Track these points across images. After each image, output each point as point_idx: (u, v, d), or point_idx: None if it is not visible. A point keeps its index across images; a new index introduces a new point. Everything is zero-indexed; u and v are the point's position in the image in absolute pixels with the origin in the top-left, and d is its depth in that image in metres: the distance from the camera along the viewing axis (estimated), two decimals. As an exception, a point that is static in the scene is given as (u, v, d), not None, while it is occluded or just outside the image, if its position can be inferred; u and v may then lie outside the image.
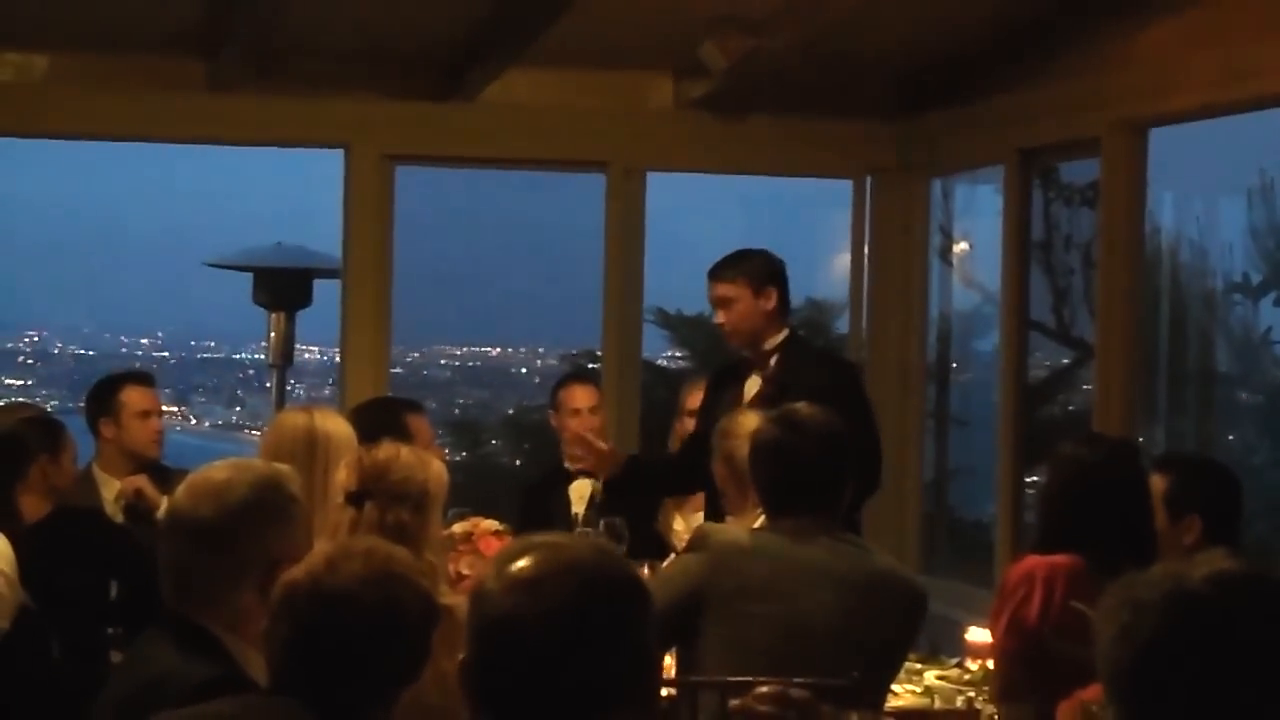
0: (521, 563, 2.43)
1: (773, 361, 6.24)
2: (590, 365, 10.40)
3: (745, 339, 6.31)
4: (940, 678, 5.25)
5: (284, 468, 3.73)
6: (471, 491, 9.96)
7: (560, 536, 2.57)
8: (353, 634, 3.00)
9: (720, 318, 6.32)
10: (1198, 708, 2.15)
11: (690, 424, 6.84)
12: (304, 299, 10.21)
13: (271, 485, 3.59)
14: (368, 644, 3.00)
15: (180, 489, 3.61)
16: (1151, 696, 2.17)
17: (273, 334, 10.24)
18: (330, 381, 12.19)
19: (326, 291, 9.66)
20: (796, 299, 12.39)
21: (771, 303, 6.27)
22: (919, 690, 5.13)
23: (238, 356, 23.29)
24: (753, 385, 6.25)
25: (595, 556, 2.48)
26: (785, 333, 6.31)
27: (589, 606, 2.40)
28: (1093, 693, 3.93)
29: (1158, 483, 4.83)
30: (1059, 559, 4.62)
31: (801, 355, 6.34)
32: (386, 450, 4.00)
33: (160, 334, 25.64)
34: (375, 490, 3.92)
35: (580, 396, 7.13)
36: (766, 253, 6.48)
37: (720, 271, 6.38)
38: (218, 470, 3.61)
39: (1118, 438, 5.89)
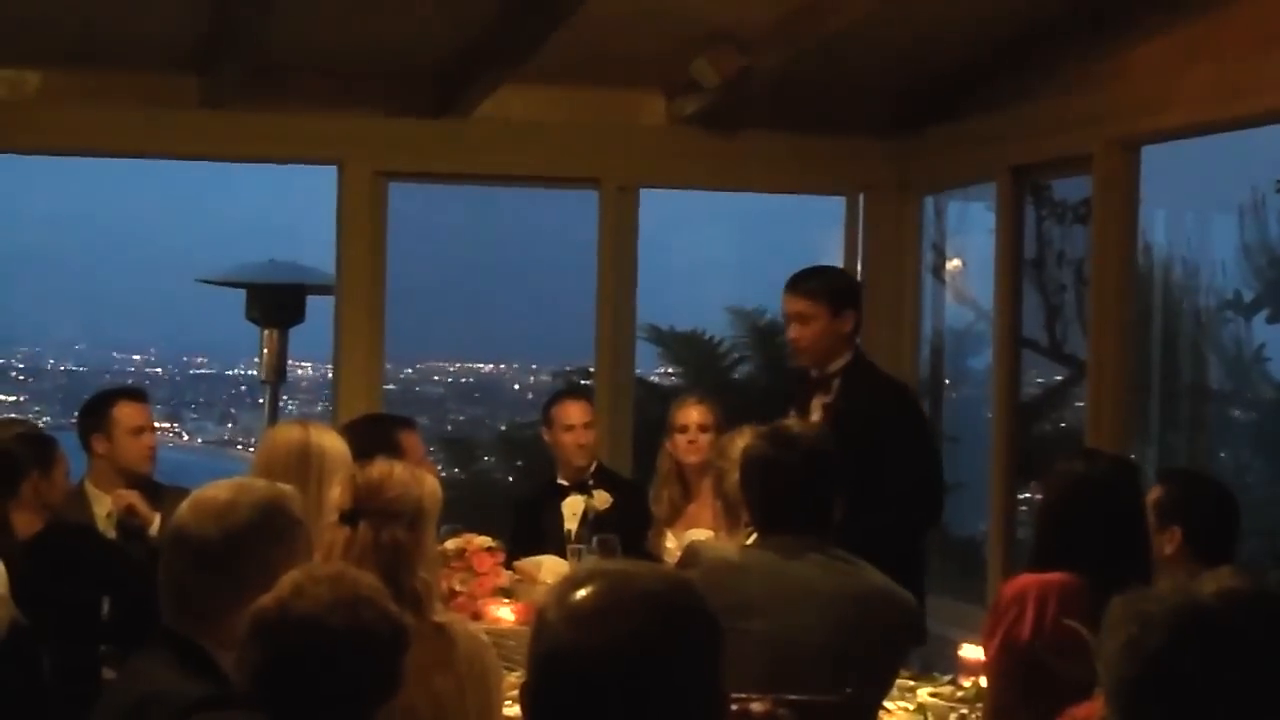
0: (582, 593, 2.29)
1: (835, 385, 6.17)
2: (583, 382, 10.39)
3: (813, 358, 6.23)
4: (933, 695, 5.24)
5: (287, 488, 3.73)
6: (464, 508, 9.95)
7: (628, 564, 2.42)
8: (321, 659, 3.01)
9: (793, 333, 6.23)
10: None
11: (680, 440, 6.84)
12: (297, 315, 10.20)
13: (274, 507, 3.59)
14: (336, 668, 3.02)
15: (183, 507, 3.61)
16: (1156, 709, 2.17)
17: (265, 350, 10.23)
18: (323, 398, 12.18)
19: (319, 308, 9.65)
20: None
21: (848, 325, 6.18)
22: (912, 708, 5.12)
23: (230, 373, 23.29)
24: (816, 408, 6.20)
25: (662, 587, 2.32)
26: (851, 356, 6.23)
27: (652, 640, 2.25)
28: (1086, 710, 3.93)
29: (1154, 492, 4.88)
30: (1052, 576, 4.62)
31: (862, 382, 6.21)
32: (380, 468, 4.00)
33: (153, 350, 25.65)
34: (369, 509, 3.91)
35: (573, 413, 7.12)
36: (847, 273, 6.38)
37: (801, 285, 6.25)
38: (221, 490, 3.62)
39: (1117, 454, 5.90)
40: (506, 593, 6.10)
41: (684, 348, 12.60)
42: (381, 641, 3.08)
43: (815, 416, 6.17)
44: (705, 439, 6.71)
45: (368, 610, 3.08)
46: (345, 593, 3.08)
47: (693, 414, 6.86)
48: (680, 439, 6.85)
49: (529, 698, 2.32)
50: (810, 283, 6.27)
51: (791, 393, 6.51)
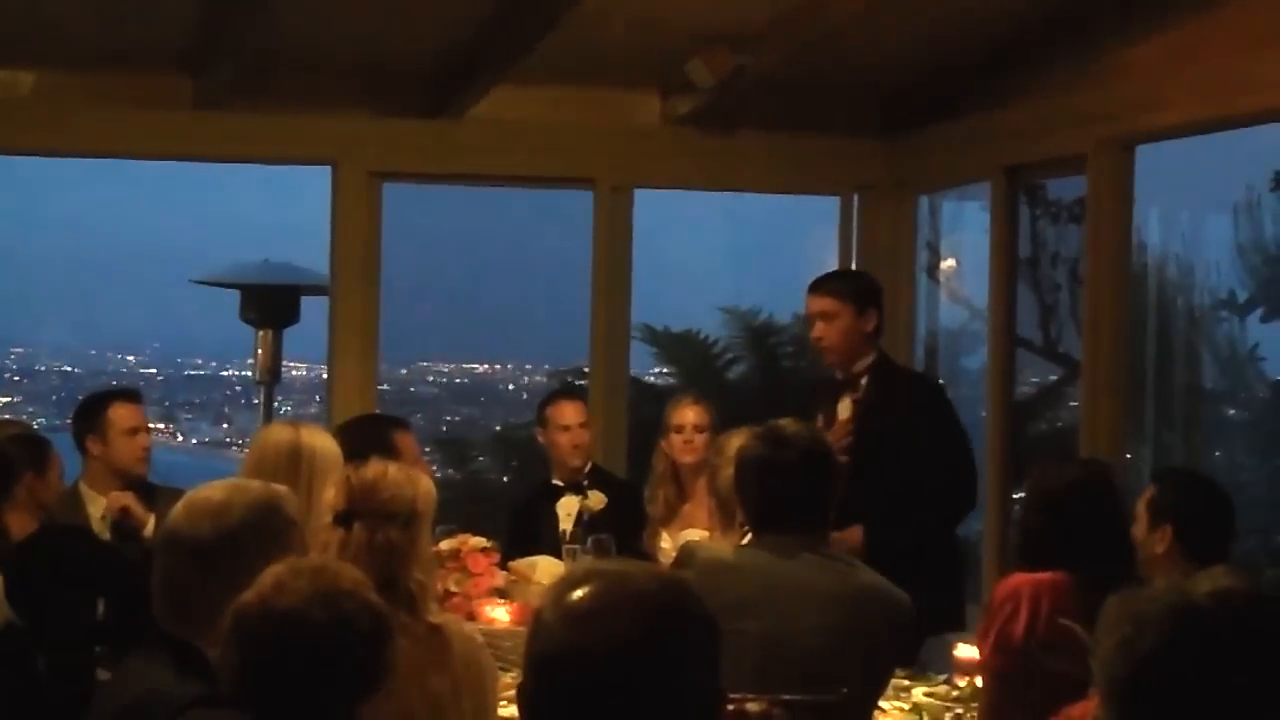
0: (579, 593, 2.28)
1: (863, 383, 6.31)
2: (578, 382, 10.40)
3: (838, 356, 6.36)
4: (928, 694, 5.23)
5: (282, 489, 3.72)
6: (459, 508, 9.96)
7: (625, 565, 2.40)
8: (304, 653, 3.01)
9: (817, 331, 6.36)
10: None
11: (676, 440, 6.84)
12: (291, 316, 10.21)
13: (269, 507, 3.59)
14: (319, 662, 3.01)
15: (178, 508, 3.60)
16: (1149, 709, 2.17)
17: (260, 351, 10.24)
18: (317, 398, 12.19)
19: (314, 308, 9.66)
20: (783, 316, 12.47)
21: (870, 324, 6.33)
22: (907, 707, 5.11)
23: (225, 373, 23.28)
24: (845, 408, 6.34)
25: (659, 587, 2.31)
26: (875, 355, 6.37)
27: (648, 640, 2.24)
28: (1081, 710, 3.93)
29: (1148, 491, 4.91)
30: (1044, 575, 4.64)
31: (890, 378, 6.39)
32: (375, 469, 3.99)
33: (147, 351, 25.62)
34: (364, 510, 3.90)
35: (568, 413, 7.12)
36: (870, 275, 6.60)
37: (824, 285, 6.44)
38: (216, 490, 3.61)
39: (1088, 459, 5.98)
40: (501, 593, 6.09)
41: (678, 348, 12.61)
42: (364, 634, 3.07)
43: (845, 415, 6.30)
44: (701, 439, 6.71)
45: (349, 603, 3.07)
46: (326, 586, 3.07)
47: (688, 414, 6.85)
48: (676, 439, 6.85)
49: (525, 698, 2.32)
50: (834, 282, 6.49)
51: (816, 400, 6.57)
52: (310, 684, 3.01)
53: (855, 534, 5.97)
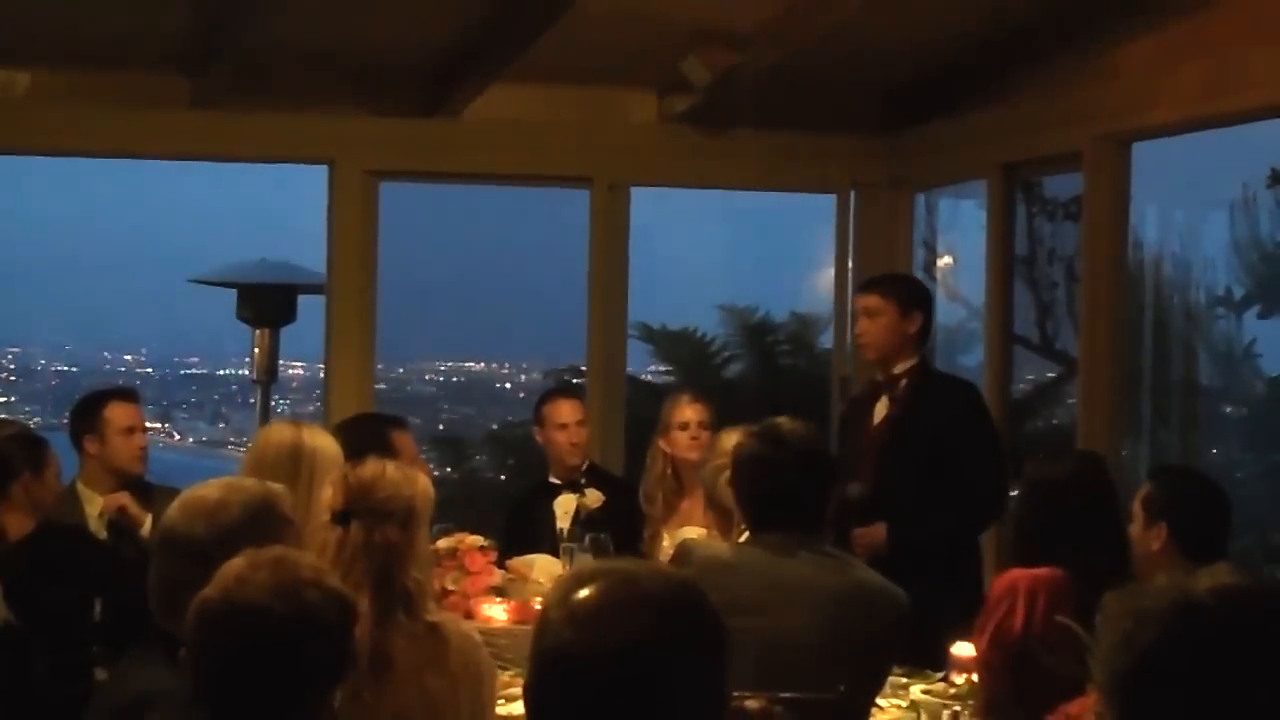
0: (585, 592, 2.27)
1: (902, 384, 6.36)
2: (574, 380, 10.40)
3: (879, 354, 6.43)
4: (926, 692, 5.23)
5: (277, 487, 3.72)
6: (456, 507, 9.95)
7: (631, 564, 2.39)
8: (268, 644, 2.99)
9: (860, 327, 6.47)
10: (1195, 718, 2.15)
11: (680, 437, 6.83)
12: (288, 315, 10.21)
13: (265, 506, 3.59)
14: (284, 652, 2.99)
15: (173, 507, 3.60)
16: (1149, 705, 2.16)
17: (257, 350, 10.24)
18: (314, 397, 12.19)
19: (310, 307, 9.66)
20: (780, 314, 12.47)
21: (914, 327, 6.39)
22: (905, 705, 5.11)
23: (221, 372, 23.26)
24: (881, 407, 6.41)
25: (665, 588, 2.31)
26: (916, 360, 6.43)
27: (653, 640, 2.24)
28: (1079, 707, 3.93)
29: (1143, 489, 4.91)
30: (1041, 571, 4.65)
31: (930, 380, 6.46)
32: (372, 468, 3.98)
33: (144, 350, 25.60)
34: (361, 509, 3.90)
35: (565, 411, 7.11)
36: (920, 281, 6.88)
37: (872, 284, 6.62)
38: (211, 489, 3.61)
39: (1083, 452, 5.99)
40: (499, 591, 6.09)
41: (675, 346, 12.62)
42: (328, 623, 3.05)
43: (881, 414, 6.36)
44: (706, 435, 6.70)
45: (312, 592, 3.05)
46: (287, 577, 3.05)
47: (690, 411, 6.83)
48: (681, 435, 6.81)
49: (530, 696, 2.32)
50: (882, 281, 6.66)
51: (854, 409, 6.66)
52: (277, 676, 3.00)
53: (879, 531, 6.06)
